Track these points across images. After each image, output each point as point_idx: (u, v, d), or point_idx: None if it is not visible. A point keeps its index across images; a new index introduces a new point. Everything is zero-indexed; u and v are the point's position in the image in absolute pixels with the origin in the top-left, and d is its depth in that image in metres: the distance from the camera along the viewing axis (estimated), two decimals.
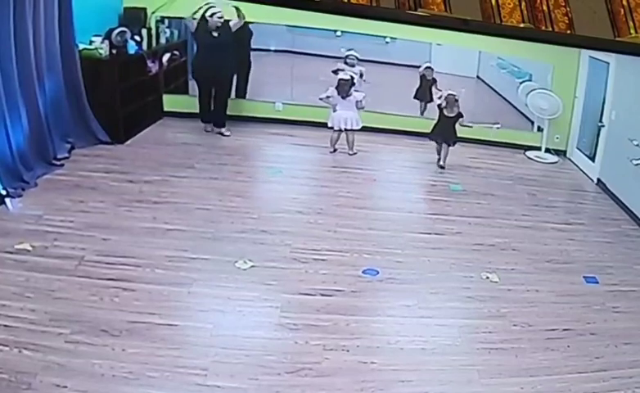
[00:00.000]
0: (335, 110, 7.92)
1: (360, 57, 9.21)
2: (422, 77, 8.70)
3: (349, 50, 8.73)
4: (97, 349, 3.98)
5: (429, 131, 7.87)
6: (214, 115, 8.02)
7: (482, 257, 5.67)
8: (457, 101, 7.75)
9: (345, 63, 8.57)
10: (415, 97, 8.80)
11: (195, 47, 8.13)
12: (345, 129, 7.89)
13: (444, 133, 7.78)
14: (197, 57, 8.12)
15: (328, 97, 7.92)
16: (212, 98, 8.04)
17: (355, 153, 7.84)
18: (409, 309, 4.79)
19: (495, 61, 9.40)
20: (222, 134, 7.88)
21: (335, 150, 7.88)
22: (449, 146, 7.74)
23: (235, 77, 8.37)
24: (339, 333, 4.39)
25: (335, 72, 8.27)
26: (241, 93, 8.75)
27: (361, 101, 7.95)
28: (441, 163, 7.73)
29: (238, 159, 6.94)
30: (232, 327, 4.39)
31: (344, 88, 7.87)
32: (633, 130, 6.88)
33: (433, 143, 8.23)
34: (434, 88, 8.41)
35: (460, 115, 7.76)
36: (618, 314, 4.97)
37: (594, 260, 5.81)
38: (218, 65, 7.87)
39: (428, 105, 8.72)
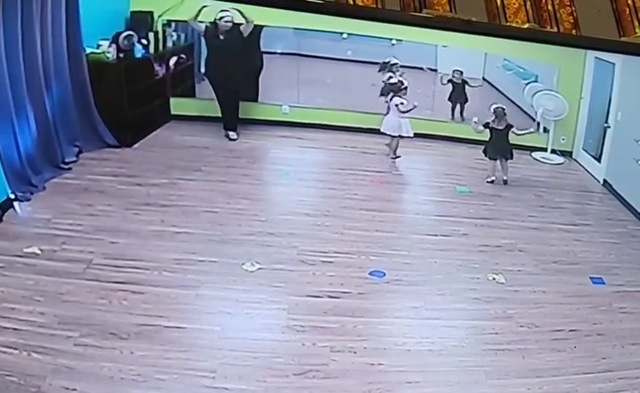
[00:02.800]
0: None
1: (366, 60, 9.28)
2: (452, 81, 8.86)
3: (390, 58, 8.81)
4: (106, 351, 4.00)
5: (483, 149, 7.58)
6: (224, 117, 7.99)
7: (489, 258, 5.67)
8: (505, 112, 7.47)
9: (391, 71, 8.57)
10: (449, 99, 8.93)
11: (206, 50, 8.10)
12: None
13: (500, 147, 7.47)
14: (207, 60, 8.10)
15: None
16: (220, 101, 8.01)
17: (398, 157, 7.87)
18: (416, 311, 4.80)
19: (501, 63, 9.40)
20: (228, 137, 7.85)
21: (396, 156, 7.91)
22: (507, 159, 7.48)
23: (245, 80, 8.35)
24: (346, 335, 4.40)
25: (384, 69, 8.52)
26: (252, 96, 8.73)
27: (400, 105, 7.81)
28: (504, 178, 7.44)
29: (245, 161, 6.96)
30: (240, 329, 4.40)
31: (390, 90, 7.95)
32: (639, 131, 6.87)
33: (439, 145, 8.26)
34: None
35: (510, 126, 7.48)
36: (624, 315, 4.96)
37: (600, 261, 5.81)
38: (225, 69, 7.82)
39: (465, 105, 8.91)
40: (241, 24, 7.74)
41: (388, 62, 8.65)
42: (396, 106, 7.77)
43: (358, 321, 4.57)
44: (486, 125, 7.47)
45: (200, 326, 4.40)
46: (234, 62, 7.88)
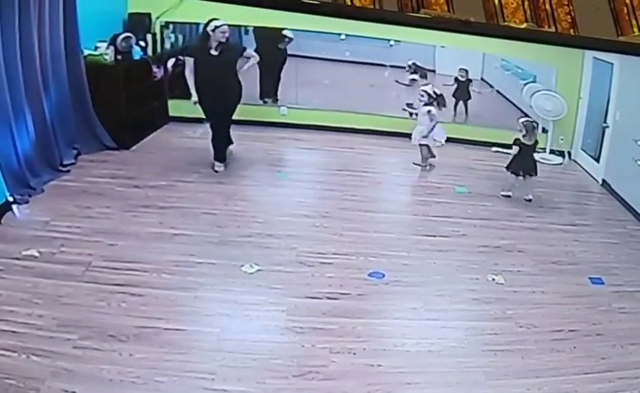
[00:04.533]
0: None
1: (364, 61, 9.33)
2: (457, 79, 9.04)
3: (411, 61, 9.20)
4: (105, 354, 3.99)
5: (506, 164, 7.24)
6: (215, 143, 7.14)
7: (488, 259, 5.67)
8: (534, 126, 7.17)
9: (416, 73, 9.04)
10: (453, 96, 9.08)
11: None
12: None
13: (525, 163, 7.07)
14: (196, 81, 7.00)
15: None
16: (213, 126, 7.20)
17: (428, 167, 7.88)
18: (415, 312, 4.80)
19: (499, 63, 9.42)
20: (214, 168, 7.05)
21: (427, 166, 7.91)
22: (531, 176, 7.11)
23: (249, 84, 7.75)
24: (345, 336, 4.40)
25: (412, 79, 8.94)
26: (272, 94, 9.07)
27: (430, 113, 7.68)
28: (529, 196, 7.06)
29: (244, 163, 6.95)
30: (239, 331, 4.40)
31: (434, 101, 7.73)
32: (638, 131, 6.88)
33: (443, 148, 8.23)
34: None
35: (536, 143, 7.18)
36: (624, 315, 4.97)
37: (600, 261, 5.81)
38: (217, 91, 6.93)
39: (468, 103, 9.17)
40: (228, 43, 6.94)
41: (413, 64, 9.07)
42: (428, 112, 7.63)
43: (358, 322, 4.56)
44: (516, 142, 7.08)
45: (199, 328, 4.40)
46: (226, 83, 7.00)
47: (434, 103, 7.68)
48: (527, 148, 7.02)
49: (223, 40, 6.77)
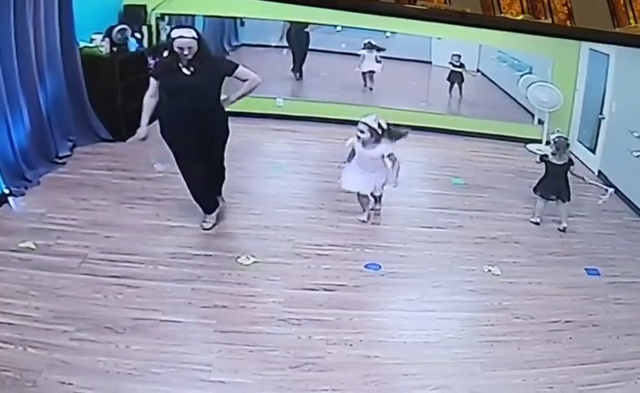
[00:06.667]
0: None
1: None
2: (452, 63, 9.36)
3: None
4: (102, 346, 3.99)
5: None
6: (197, 196, 5.63)
7: (484, 250, 5.68)
8: (568, 144, 6.25)
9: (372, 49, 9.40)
10: (448, 79, 9.48)
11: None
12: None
13: (555, 186, 6.19)
14: (162, 110, 5.41)
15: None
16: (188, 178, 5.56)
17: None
18: (412, 303, 4.81)
19: (495, 55, 9.44)
20: (202, 226, 5.60)
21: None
22: (564, 201, 6.21)
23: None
24: (342, 328, 4.40)
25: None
26: (298, 70, 9.72)
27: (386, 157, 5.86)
28: (564, 225, 6.19)
29: (240, 155, 6.94)
30: (236, 322, 4.40)
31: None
32: (634, 122, 6.88)
33: (434, 137, 8.24)
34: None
35: (570, 163, 6.21)
36: (619, 306, 4.98)
37: (596, 252, 5.82)
38: (190, 126, 5.24)
39: (462, 85, 9.53)
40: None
41: (368, 42, 9.47)
42: (389, 156, 5.86)
43: (354, 314, 4.57)
44: (543, 158, 6.34)
45: (195, 319, 4.40)
46: (208, 114, 5.31)
47: (383, 139, 5.79)
48: (557, 169, 6.16)
49: (189, 56, 5.08)
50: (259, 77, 5.42)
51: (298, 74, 9.71)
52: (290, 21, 9.22)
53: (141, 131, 5.40)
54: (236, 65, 5.36)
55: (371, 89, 9.72)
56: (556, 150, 6.15)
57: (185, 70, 5.13)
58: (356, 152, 5.81)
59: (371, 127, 5.64)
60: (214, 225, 5.60)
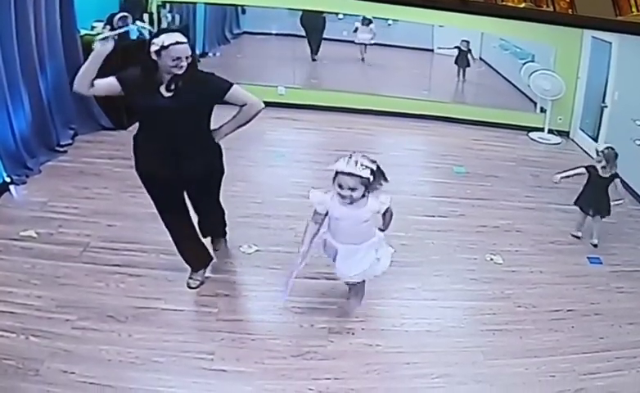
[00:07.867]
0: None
1: (361, 41, 9.56)
2: (459, 48, 9.50)
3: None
4: (104, 335, 4.00)
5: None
6: (178, 247, 4.54)
7: (486, 239, 5.67)
8: (617, 156, 5.70)
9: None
10: (455, 63, 9.63)
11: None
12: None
13: (596, 200, 5.79)
14: (136, 139, 4.20)
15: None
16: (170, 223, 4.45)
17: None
18: (413, 292, 4.80)
19: (498, 43, 9.41)
20: (188, 284, 4.58)
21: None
22: (602, 217, 5.82)
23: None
24: (344, 316, 4.40)
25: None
26: (315, 53, 9.86)
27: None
28: (595, 241, 5.77)
29: (241, 143, 6.90)
30: (238, 311, 4.41)
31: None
32: (636, 111, 6.87)
33: (436, 126, 8.21)
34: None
35: (615, 176, 5.75)
36: (622, 295, 4.97)
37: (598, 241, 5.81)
38: (173, 162, 4.06)
39: (467, 70, 9.68)
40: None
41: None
42: (379, 213, 4.23)
43: None
44: (589, 169, 5.83)
45: (197, 308, 4.40)
46: (194, 147, 4.08)
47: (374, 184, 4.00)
48: (601, 182, 5.73)
49: (179, 71, 3.85)
50: (260, 101, 4.16)
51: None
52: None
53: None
54: (230, 86, 4.03)
55: (362, 60, 10.09)
56: (606, 163, 5.68)
57: (163, 91, 3.91)
58: (331, 218, 4.23)
59: (362, 177, 3.93)
60: (202, 283, 4.62)
